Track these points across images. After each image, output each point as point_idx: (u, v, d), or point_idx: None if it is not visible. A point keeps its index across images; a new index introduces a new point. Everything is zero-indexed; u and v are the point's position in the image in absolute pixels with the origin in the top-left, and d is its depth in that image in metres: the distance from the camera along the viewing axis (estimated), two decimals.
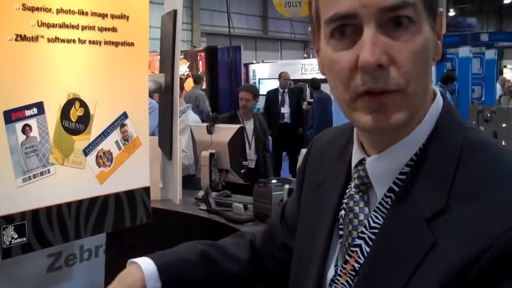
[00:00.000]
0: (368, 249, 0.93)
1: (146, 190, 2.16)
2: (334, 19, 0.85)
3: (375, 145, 0.95)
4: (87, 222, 1.97)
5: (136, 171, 2.12)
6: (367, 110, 0.86)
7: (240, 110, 5.87)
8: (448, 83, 10.27)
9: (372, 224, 0.93)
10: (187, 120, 5.14)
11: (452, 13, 28.40)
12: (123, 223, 2.10)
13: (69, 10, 1.85)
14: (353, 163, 1.00)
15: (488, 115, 5.13)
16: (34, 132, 1.81)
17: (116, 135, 2.04)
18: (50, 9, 1.80)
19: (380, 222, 0.92)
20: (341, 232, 1.00)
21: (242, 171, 3.98)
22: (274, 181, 3.51)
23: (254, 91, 5.85)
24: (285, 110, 10.17)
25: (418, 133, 0.91)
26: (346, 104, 0.89)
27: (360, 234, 0.94)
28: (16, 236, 1.76)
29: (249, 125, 5.78)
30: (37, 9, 1.77)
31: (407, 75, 0.83)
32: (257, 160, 5.74)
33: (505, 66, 22.40)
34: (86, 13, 1.90)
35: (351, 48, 0.85)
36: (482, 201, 0.80)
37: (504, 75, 18.72)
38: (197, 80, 10.94)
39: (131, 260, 1.20)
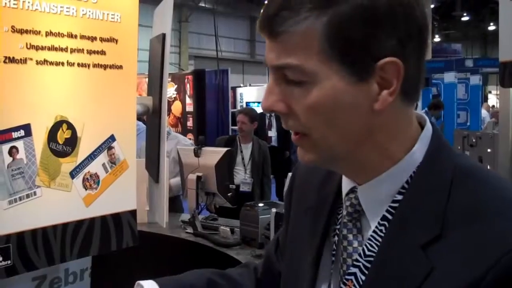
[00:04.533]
0: (363, 277, 0.92)
1: (133, 213, 2.15)
2: None
3: (351, 179, 0.98)
4: (73, 245, 1.95)
5: (122, 194, 2.11)
6: None
7: (238, 133, 5.85)
8: (433, 109, 10.36)
9: (367, 252, 0.93)
10: (180, 142, 5.21)
11: (437, 39, 28.78)
12: (109, 246, 2.09)
13: (58, 33, 1.86)
14: (344, 190, 1.00)
15: (474, 140, 5.17)
16: (21, 154, 1.80)
17: (103, 157, 2.03)
18: (39, 31, 1.81)
19: (375, 250, 0.92)
20: (333, 259, 1.00)
21: (229, 194, 3.98)
22: (261, 204, 3.50)
23: (251, 115, 5.74)
24: (272, 133, 10.20)
25: (408, 161, 0.92)
26: None
27: (354, 262, 0.94)
28: (0, 259, 1.75)
29: (247, 149, 5.72)
30: (26, 31, 1.78)
31: (306, 125, 0.89)
32: (253, 184, 5.69)
33: (490, 92, 22.62)
34: (75, 36, 1.91)
35: None
36: (477, 226, 0.81)
37: (489, 101, 18.88)
38: None
39: (138, 282, 1.19)
